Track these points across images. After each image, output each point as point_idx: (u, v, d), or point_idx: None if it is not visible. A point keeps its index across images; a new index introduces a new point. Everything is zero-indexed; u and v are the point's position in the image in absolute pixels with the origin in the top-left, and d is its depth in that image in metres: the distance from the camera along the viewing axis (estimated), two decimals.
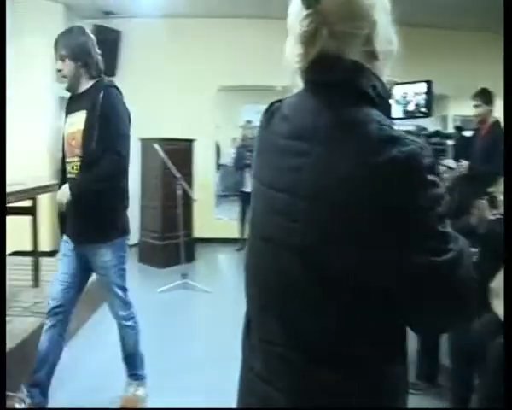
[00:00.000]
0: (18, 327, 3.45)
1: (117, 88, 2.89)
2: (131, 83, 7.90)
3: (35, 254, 4.45)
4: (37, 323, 3.52)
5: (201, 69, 7.88)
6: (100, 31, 7.65)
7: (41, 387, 2.78)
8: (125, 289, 2.97)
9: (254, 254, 1.09)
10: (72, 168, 2.78)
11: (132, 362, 3.08)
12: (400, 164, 0.85)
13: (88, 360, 3.70)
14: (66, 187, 2.71)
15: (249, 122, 7.46)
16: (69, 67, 2.81)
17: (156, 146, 5.89)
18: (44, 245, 5.37)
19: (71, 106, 2.90)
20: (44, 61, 6.87)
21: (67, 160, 2.84)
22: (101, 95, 2.75)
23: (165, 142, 6.20)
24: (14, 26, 6.79)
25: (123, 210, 2.88)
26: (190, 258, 6.39)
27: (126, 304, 2.98)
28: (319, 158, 0.92)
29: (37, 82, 6.90)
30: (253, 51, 7.65)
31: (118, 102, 2.81)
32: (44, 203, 5.30)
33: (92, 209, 2.70)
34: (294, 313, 0.96)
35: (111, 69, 7.93)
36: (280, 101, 1.09)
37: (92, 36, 3.03)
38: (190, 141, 6.91)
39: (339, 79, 0.96)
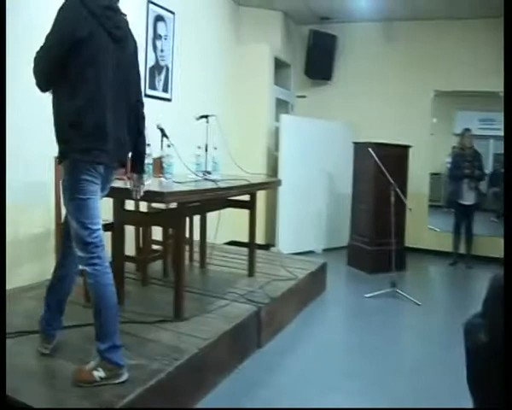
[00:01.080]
0: (232, 311, 3.67)
1: None
2: (346, 87, 8.05)
3: (251, 245, 4.71)
4: (250, 310, 3.72)
5: (417, 74, 7.64)
6: (316, 36, 7.89)
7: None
8: (83, 225, 2.45)
9: None
10: None
11: (95, 325, 2.50)
12: None
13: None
14: None
15: (468, 130, 6.99)
16: None
17: (370, 151, 5.85)
18: (259, 238, 5.68)
19: None
20: (265, 65, 7.34)
21: None
22: None
23: (379, 147, 6.11)
24: (237, 33, 7.37)
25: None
26: (401, 267, 6.19)
27: (84, 244, 2.46)
28: None
29: (259, 84, 7.35)
30: (472, 54, 7.18)
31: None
32: (260, 199, 5.60)
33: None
34: None
35: (327, 73, 8.13)
36: None
37: None
38: (405, 147, 6.71)
39: None
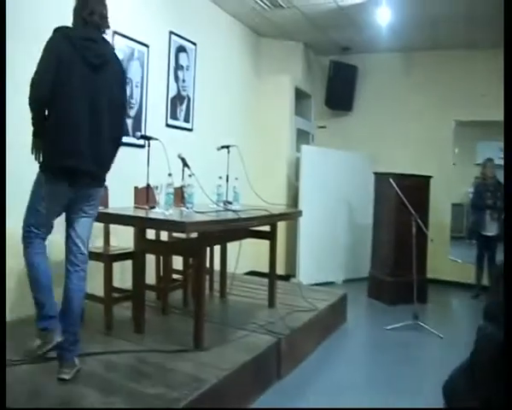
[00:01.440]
0: (253, 342, 3.65)
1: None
2: (367, 117, 8.09)
3: (271, 276, 4.70)
4: (270, 341, 3.70)
5: (438, 104, 7.66)
6: (337, 66, 7.97)
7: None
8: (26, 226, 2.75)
9: None
10: None
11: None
12: None
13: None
14: None
15: (490, 160, 6.95)
16: None
17: (391, 181, 5.84)
18: (279, 269, 5.66)
19: None
20: (286, 95, 7.42)
21: None
22: None
23: (400, 177, 6.09)
24: (259, 64, 7.48)
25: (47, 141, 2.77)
26: (422, 298, 6.11)
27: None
28: None
29: (280, 115, 7.43)
30: (494, 83, 7.16)
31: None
32: (281, 229, 5.59)
33: None
34: None
35: (348, 104, 8.18)
36: None
37: None
38: (427, 178, 6.68)
39: None
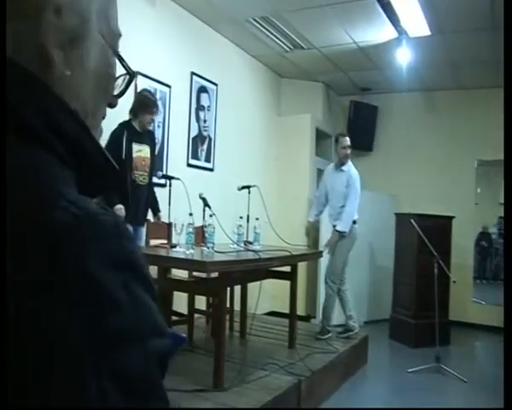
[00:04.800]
0: (273, 383, 3.62)
1: None
2: (388, 157, 8.10)
3: (292, 316, 4.68)
4: (290, 382, 3.67)
5: (459, 143, 7.66)
6: (357, 106, 8.04)
7: None
8: None
9: None
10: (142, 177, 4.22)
11: None
12: None
13: None
14: None
15: None
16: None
17: (413, 222, 5.82)
18: (300, 309, 5.63)
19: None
20: (307, 136, 7.48)
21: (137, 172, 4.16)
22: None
23: (422, 218, 6.07)
24: (279, 104, 7.59)
25: None
26: (444, 341, 6.01)
27: None
28: None
29: (300, 155, 7.48)
30: None
31: None
32: (301, 270, 5.59)
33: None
34: None
35: (368, 144, 8.22)
36: None
37: None
38: (449, 218, 6.64)
39: None
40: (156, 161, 4.53)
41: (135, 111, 4.19)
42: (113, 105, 0.68)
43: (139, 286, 0.52)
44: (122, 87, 0.69)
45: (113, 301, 0.49)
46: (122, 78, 0.68)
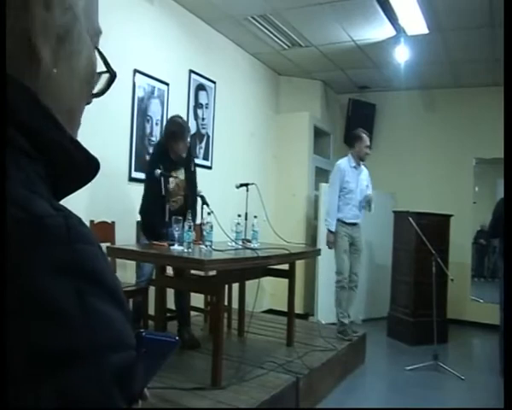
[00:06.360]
0: (271, 381, 3.62)
1: None
2: (386, 155, 8.08)
3: (290, 315, 4.68)
4: (289, 380, 3.67)
5: (457, 141, 7.65)
6: (355, 104, 8.05)
7: None
8: None
9: None
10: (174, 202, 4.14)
11: None
12: None
13: None
14: None
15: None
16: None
17: (411, 220, 5.82)
18: (298, 307, 5.63)
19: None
20: (305, 134, 7.47)
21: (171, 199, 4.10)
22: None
23: (420, 216, 6.08)
24: (278, 102, 7.59)
25: None
26: (442, 339, 6.01)
27: None
28: None
29: (299, 153, 7.48)
30: None
31: None
32: (299, 268, 5.58)
33: None
34: None
35: None
36: None
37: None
38: (447, 216, 6.65)
39: None
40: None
41: (168, 141, 4.06)
42: (88, 102, 0.66)
43: (96, 295, 0.47)
44: (103, 86, 0.66)
45: (58, 313, 0.44)
46: (102, 76, 0.66)
